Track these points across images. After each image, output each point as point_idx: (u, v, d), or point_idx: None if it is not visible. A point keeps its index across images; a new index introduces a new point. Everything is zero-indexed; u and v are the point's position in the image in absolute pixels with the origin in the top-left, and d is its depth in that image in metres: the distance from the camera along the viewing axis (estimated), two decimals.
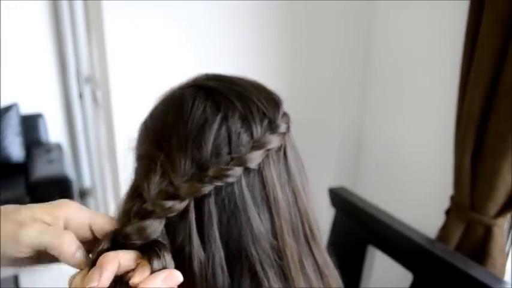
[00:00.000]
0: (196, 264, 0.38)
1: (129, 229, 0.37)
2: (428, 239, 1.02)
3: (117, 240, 0.37)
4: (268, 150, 0.41)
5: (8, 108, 2.53)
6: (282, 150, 0.43)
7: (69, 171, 2.41)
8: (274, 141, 0.41)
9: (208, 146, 0.39)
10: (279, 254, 0.41)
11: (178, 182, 0.38)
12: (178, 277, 0.36)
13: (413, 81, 1.40)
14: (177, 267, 0.37)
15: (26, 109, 2.66)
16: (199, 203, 0.39)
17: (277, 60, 1.51)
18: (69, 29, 2.64)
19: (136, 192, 0.41)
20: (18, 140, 2.54)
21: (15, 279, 2.20)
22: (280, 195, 0.42)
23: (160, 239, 0.37)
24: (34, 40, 2.64)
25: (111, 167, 1.73)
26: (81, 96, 2.80)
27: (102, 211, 2.22)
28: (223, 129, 0.40)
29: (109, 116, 1.47)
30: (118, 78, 1.36)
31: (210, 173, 0.38)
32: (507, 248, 1.13)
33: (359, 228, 1.17)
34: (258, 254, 0.40)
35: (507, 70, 0.93)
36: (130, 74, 1.36)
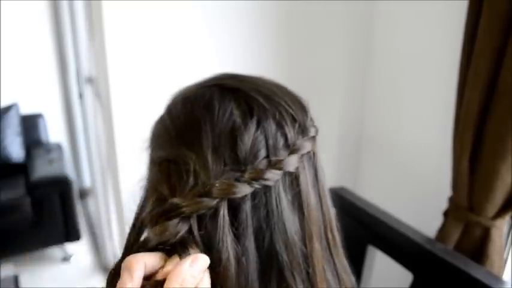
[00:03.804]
0: (230, 265, 0.37)
1: (151, 232, 0.36)
2: (428, 239, 1.02)
3: (144, 245, 0.36)
4: (302, 154, 0.41)
5: (8, 108, 2.53)
6: (313, 154, 0.44)
7: (69, 171, 2.41)
8: (307, 146, 0.42)
9: (246, 148, 0.38)
10: (307, 260, 0.41)
11: (213, 180, 0.37)
12: (204, 259, 0.34)
13: (412, 82, 1.40)
14: (209, 266, 0.36)
15: (26, 109, 2.65)
16: (235, 204, 0.38)
17: (277, 59, 1.51)
18: (69, 29, 2.64)
19: (157, 195, 0.39)
20: (18, 140, 2.53)
21: (15, 279, 2.20)
22: (313, 200, 0.42)
23: (185, 236, 0.36)
24: (34, 40, 2.64)
25: (111, 167, 1.73)
26: (81, 96, 2.80)
27: (103, 211, 2.22)
28: (260, 131, 0.39)
29: (109, 116, 1.47)
30: (118, 78, 1.36)
31: (247, 174, 0.37)
32: (505, 249, 1.13)
33: (359, 228, 1.17)
34: (289, 260, 0.39)
35: (505, 70, 0.94)
36: (130, 74, 1.36)
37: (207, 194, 0.36)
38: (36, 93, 2.73)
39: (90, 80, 2.61)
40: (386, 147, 1.55)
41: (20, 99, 2.61)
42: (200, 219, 0.37)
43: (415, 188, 1.42)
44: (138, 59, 1.35)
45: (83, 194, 3.03)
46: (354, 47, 1.56)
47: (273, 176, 0.38)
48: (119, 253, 2.10)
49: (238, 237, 0.38)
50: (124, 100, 1.39)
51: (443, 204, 1.17)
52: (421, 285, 1.01)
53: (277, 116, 0.41)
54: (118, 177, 1.52)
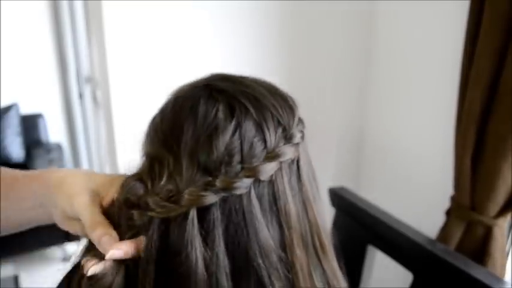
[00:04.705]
0: (199, 272, 0.37)
1: (132, 214, 0.39)
2: (428, 239, 1.02)
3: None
4: (281, 162, 0.40)
5: (8, 108, 2.53)
6: (295, 161, 0.42)
7: None
8: (288, 153, 0.41)
9: (219, 153, 0.38)
10: (287, 266, 0.40)
11: (183, 187, 0.38)
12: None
13: (414, 82, 1.40)
14: (178, 272, 0.37)
15: (26, 109, 2.65)
16: (204, 209, 0.38)
17: (277, 59, 1.51)
18: (69, 29, 2.63)
19: (141, 182, 0.41)
20: (18, 140, 2.53)
21: (15, 279, 2.20)
22: (291, 207, 0.41)
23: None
24: (34, 40, 2.64)
25: (111, 167, 1.73)
26: (81, 96, 2.79)
27: None
28: (236, 136, 0.39)
29: (109, 116, 1.47)
30: (118, 78, 1.36)
31: (218, 183, 0.37)
32: (507, 248, 1.13)
33: (359, 228, 1.17)
34: (265, 266, 0.39)
35: (507, 70, 0.93)
36: (130, 74, 1.36)
37: (176, 201, 0.37)
38: (36, 93, 2.73)
39: (90, 80, 2.61)
40: (388, 147, 1.55)
41: (20, 99, 2.61)
42: (168, 222, 0.38)
43: (416, 188, 1.42)
44: (138, 58, 1.35)
45: None
46: (354, 46, 1.56)
47: (243, 183, 0.38)
48: None
49: (207, 241, 0.38)
50: (124, 100, 1.38)
51: (445, 204, 1.17)
52: (421, 286, 1.01)
53: (258, 120, 0.40)
54: None
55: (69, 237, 2.32)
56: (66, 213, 0.44)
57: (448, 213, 1.16)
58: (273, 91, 0.44)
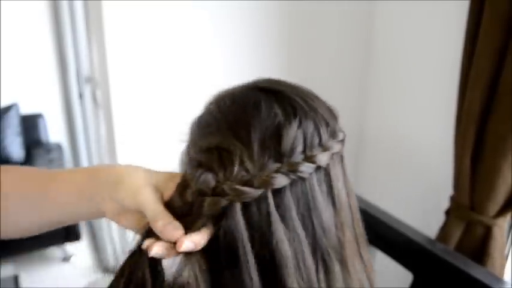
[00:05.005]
0: (284, 252, 0.41)
1: (206, 202, 0.41)
2: (428, 239, 1.02)
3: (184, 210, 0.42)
4: (333, 154, 0.47)
5: (8, 108, 2.53)
6: (341, 156, 0.50)
7: None
8: (336, 147, 0.48)
9: (287, 143, 0.44)
10: (341, 245, 0.46)
11: (256, 172, 0.42)
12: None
13: (414, 82, 1.40)
14: (267, 254, 0.41)
15: (26, 109, 2.65)
16: (277, 194, 0.42)
17: (277, 59, 1.51)
18: (69, 29, 2.63)
19: (210, 171, 0.43)
20: (18, 140, 2.53)
21: (15, 279, 2.20)
22: (342, 193, 0.48)
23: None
24: (34, 40, 2.64)
25: None
26: (81, 96, 2.79)
27: None
28: (300, 130, 0.45)
29: (109, 116, 1.47)
30: (118, 78, 1.36)
31: (285, 166, 0.42)
32: (507, 248, 1.13)
33: None
34: (328, 246, 0.44)
35: (507, 70, 0.94)
36: (130, 74, 1.36)
37: (249, 184, 0.41)
38: (36, 93, 2.73)
39: (90, 80, 2.61)
40: (388, 147, 1.55)
41: (20, 99, 2.61)
42: (248, 206, 0.41)
43: (417, 187, 1.42)
44: (138, 58, 1.35)
45: None
46: (354, 46, 1.56)
47: (307, 168, 0.43)
48: (118, 253, 2.09)
49: (284, 223, 0.42)
50: (124, 100, 1.38)
51: (445, 204, 1.17)
52: (421, 285, 1.01)
53: (315, 119, 0.47)
54: None
55: (69, 237, 2.33)
56: (125, 207, 0.46)
57: (448, 213, 1.16)
58: (318, 97, 0.52)
